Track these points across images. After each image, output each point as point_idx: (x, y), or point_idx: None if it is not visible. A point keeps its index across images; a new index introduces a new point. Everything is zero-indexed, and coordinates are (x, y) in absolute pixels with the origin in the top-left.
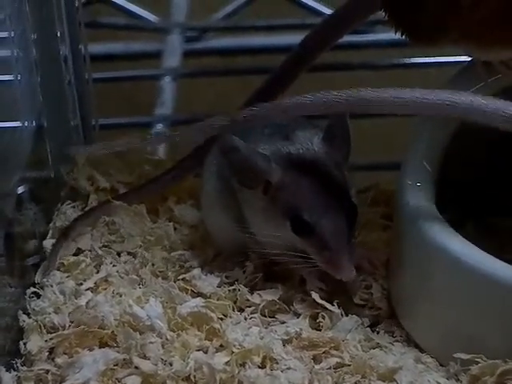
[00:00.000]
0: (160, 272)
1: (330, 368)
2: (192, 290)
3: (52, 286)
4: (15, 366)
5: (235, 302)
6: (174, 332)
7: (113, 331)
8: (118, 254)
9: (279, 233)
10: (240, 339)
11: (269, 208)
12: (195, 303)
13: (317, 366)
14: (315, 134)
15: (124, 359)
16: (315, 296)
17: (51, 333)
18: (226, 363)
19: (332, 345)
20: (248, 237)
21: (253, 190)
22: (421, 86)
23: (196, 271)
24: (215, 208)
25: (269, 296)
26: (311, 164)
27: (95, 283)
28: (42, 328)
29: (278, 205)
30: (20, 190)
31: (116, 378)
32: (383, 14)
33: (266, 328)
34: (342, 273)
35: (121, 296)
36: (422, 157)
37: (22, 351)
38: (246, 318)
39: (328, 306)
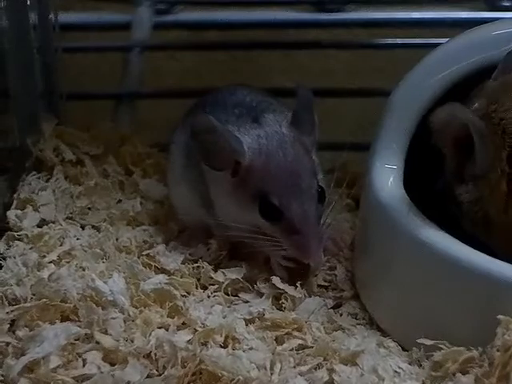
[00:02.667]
0: (124, 247)
1: (292, 349)
2: (156, 266)
3: (15, 258)
4: None
5: (199, 280)
6: (137, 308)
7: (75, 305)
8: (82, 227)
9: (246, 216)
10: (203, 317)
11: (237, 191)
12: (158, 280)
13: (279, 347)
14: (284, 118)
15: (85, 334)
16: (276, 280)
17: (13, 305)
18: (188, 341)
19: (295, 326)
20: (212, 218)
21: (221, 172)
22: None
23: (160, 247)
24: (181, 184)
25: (233, 274)
26: (280, 148)
27: (58, 256)
28: (4, 300)
29: (246, 188)
30: None
31: (77, 353)
32: None
33: (228, 307)
34: (311, 258)
35: (84, 270)
36: (391, 138)
37: None
38: (209, 296)
39: (289, 290)
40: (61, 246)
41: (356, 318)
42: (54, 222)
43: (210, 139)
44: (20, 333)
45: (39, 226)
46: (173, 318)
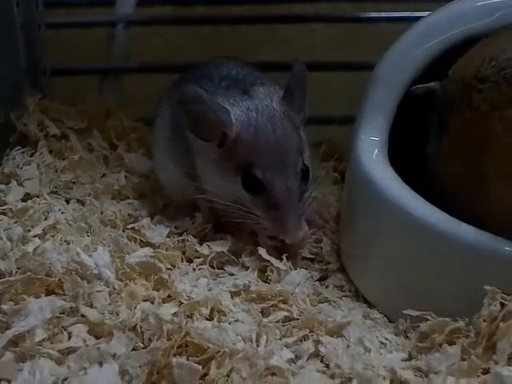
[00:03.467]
0: (109, 220)
1: (278, 321)
2: (141, 240)
3: None
4: None
5: (184, 253)
6: (122, 281)
7: (60, 279)
8: (67, 201)
9: (229, 187)
10: (188, 290)
11: (222, 161)
12: (144, 253)
13: (265, 319)
14: (274, 92)
15: (70, 307)
16: (262, 252)
17: None
18: (174, 314)
19: (280, 298)
20: (197, 187)
21: (208, 142)
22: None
23: (145, 221)
24: (166, 157)
25: (218, 247)
26: (269, 122)
27: (43, 230)
28: None
29: (231, 159)
30: None
31: (62, 326)
32: None
33: (214, 280)
34: (287, 235)
35: (69, 244)
36: (376, 111)
37: None
38: (194, 269)
39: (274, 261)
40: (45, 220)
41: (342, 290)
42: (38, 196)
43: (198, 109)
44: (5, 307)
45: (24, 200)
46: (158, 290)
